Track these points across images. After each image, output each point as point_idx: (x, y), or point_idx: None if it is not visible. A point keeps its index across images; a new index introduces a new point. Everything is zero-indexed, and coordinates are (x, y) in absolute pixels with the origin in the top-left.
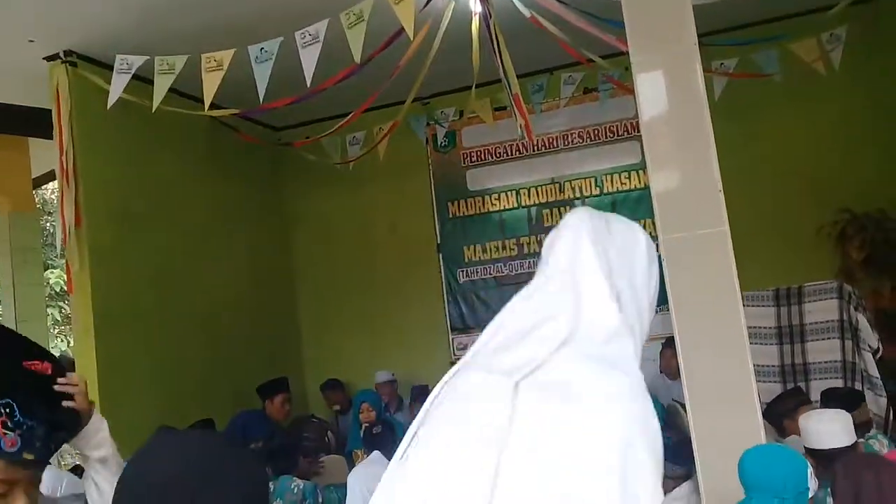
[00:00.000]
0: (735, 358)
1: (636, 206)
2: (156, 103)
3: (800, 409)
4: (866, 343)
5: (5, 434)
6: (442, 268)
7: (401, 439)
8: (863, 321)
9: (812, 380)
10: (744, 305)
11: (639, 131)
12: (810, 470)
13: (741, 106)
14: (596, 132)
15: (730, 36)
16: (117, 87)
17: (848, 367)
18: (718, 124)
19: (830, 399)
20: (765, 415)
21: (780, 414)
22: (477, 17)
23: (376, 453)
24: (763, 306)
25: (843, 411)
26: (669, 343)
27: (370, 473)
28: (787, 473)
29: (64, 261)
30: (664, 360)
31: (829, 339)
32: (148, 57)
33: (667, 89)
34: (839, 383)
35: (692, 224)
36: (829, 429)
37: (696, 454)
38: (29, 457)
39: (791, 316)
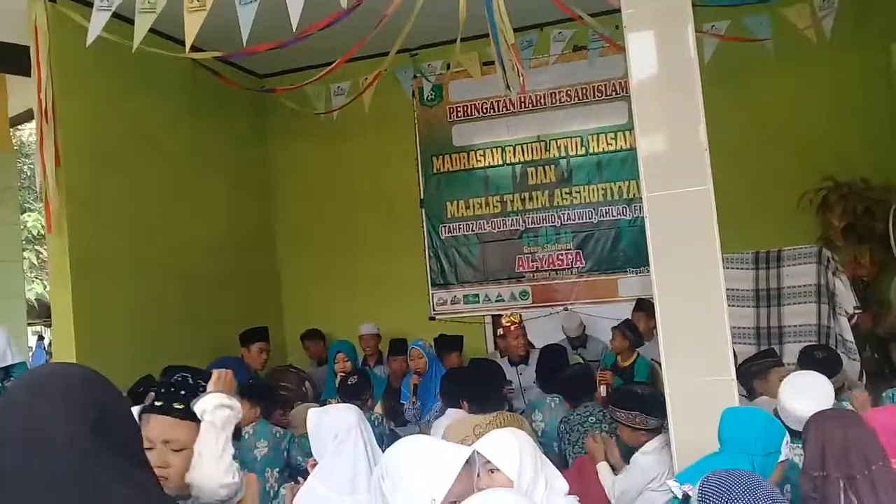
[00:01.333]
0: (711, 315)
1: (621, 166)
2: (136, 43)
3: (771, 371)
4: (842, 308)
5: None
6: (424, 223)
7: (375, 391)
8: (840, 286)
9: (786, 343)
10: (724, 268)
11: (627, 92)
12: (787, 438)
13: (730, 70)
14: (584, 91)
15: None
16: (97, 25)
17: (822, 332)
18: (707, 88)
19: (808, 362)
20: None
21: (751, 375)
22: None
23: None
24: (742, 269)
25: (822, 382)
26: (639, 305)
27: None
28: (758, 433)
29: (41, 204)
30: (638, 322)
31: (805, 303)
32: None
33: (657, 43)
34: None
35: (676, 182)
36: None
37: (668, 409)
38: None
39: (769, 279)
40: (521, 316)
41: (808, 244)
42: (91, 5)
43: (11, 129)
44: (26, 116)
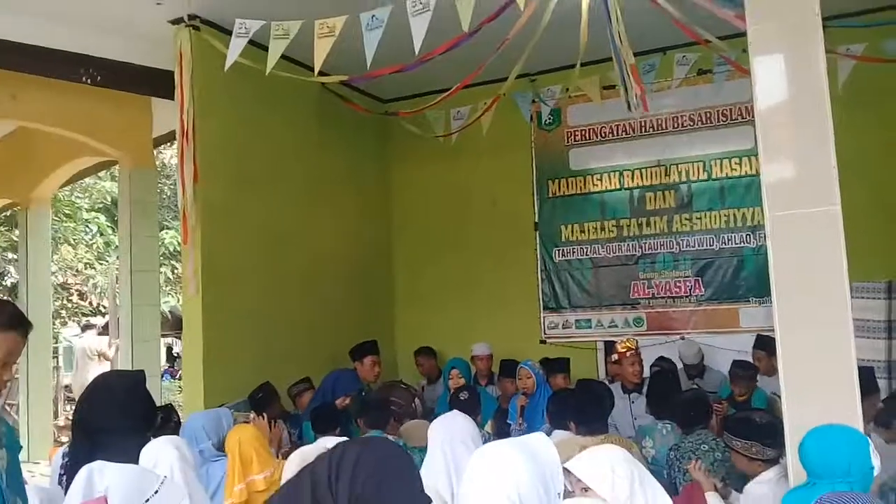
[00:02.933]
0: (836, 344)
1: (745, 192)
2: (269, 66)
3: None
4: None
5: None
6: (538, 246)
7: (484, 409)
8: None
9: None
10: (853, 297)
11: (754, 116)
12: (872, 446)
13: (867, 91)
14: (707, 115)
15: (858, 20)
16: (234, 50)
17: None
18: (843, 110)
19: None
20: (877, 414)
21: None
22: None
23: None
24: (875, 299)
25: None
26: (759, 343)
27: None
28: (850, 455)
29: (178, 221)
30: (759, 361)
31: None
32: (265, 21)
33: (784, 63)
34: None
35: (801, 202)
36: None
37: (787, 443)
38: None
39: None
40: (636, 342)
41: None
42: (230, 32)
43: (154, 149)
44: (168, 137)
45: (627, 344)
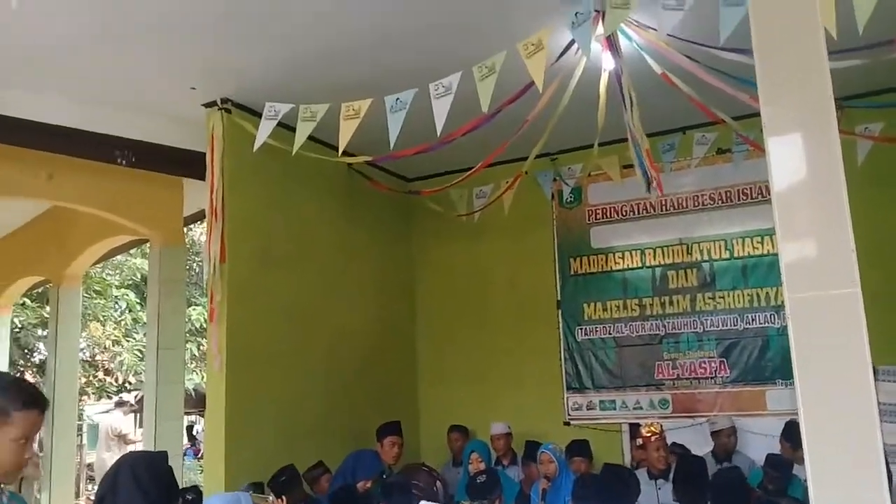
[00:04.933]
0: (862, 428)
1: (769, 271)
2: (296, 146)
3: None
4: None
5: None
6: (560, 324)
7: (503, 492)
8: None
9: None
10: (879, 380)
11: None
12: None
13: (885, 171)
14: (728, 194)
15: (873, 100)
16: (264, 132)
17: None
18: (862, 190)
19: None
20: None
21: None
22: (607, 73)
23: None
24: None
25: None
26: (786, 433)
27: None
28: None
29: (206, 298)
30: (784, 452)
31: None
32: (293, 105)
33: (799, 144)
34: None
35: (822, 283)
36: None
37: None
38: None
39: None
40: (661, 426)
41: None
42: (260, 115)
43: (185, 228)
44: (198, 216)
45: (652, 428)
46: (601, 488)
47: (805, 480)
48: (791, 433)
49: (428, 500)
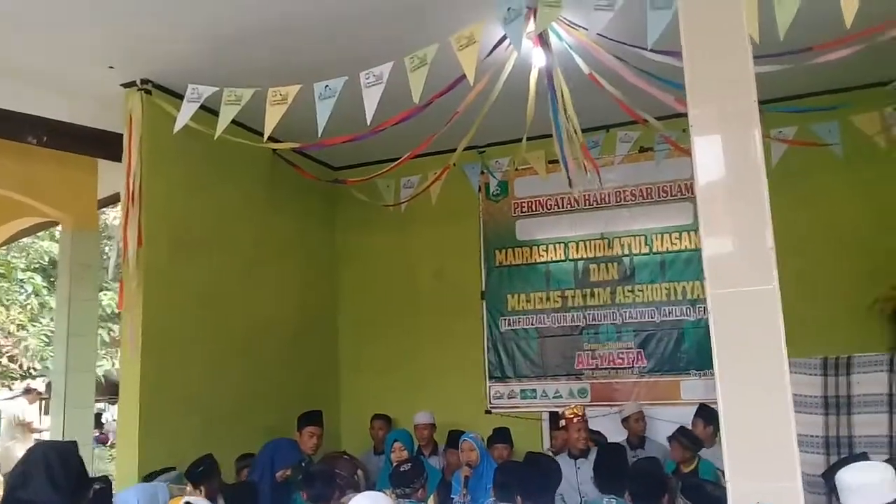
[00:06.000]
0: (777, 417)
1: (685, 266)
2: (219, 131)
3: None
4: None
5: None
6: (484, 315)
7: (427, 480)
8: None
9: (867, 454)
10: (791, 372)
11: (693, 193)
12: None
13: (797, 173)
14: (649, 191)
15: (789, 104)
16: (185, 115)
17: (895, 443)
18: (773, 191)
19: None
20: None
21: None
22: (537, 69)
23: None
24: (810, 374)
25: (886, 464)
26: (699, 411)
27: None
28: None
29: (117, 283)
30: (695, 428)
31: (876, 412)
32: (217, 88)
33: (723, 145)
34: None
35: (741, 280)
36: (870, 480)
37: None
38: None
39: (838, 386)
40: (584, 408)
41: (879, 352)
42: (182, 97)
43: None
44: (112, 200)
45: (574, 410)
46: (523, 476)
47: (714, 464)
48: (704, 413)
49: (349, 489)
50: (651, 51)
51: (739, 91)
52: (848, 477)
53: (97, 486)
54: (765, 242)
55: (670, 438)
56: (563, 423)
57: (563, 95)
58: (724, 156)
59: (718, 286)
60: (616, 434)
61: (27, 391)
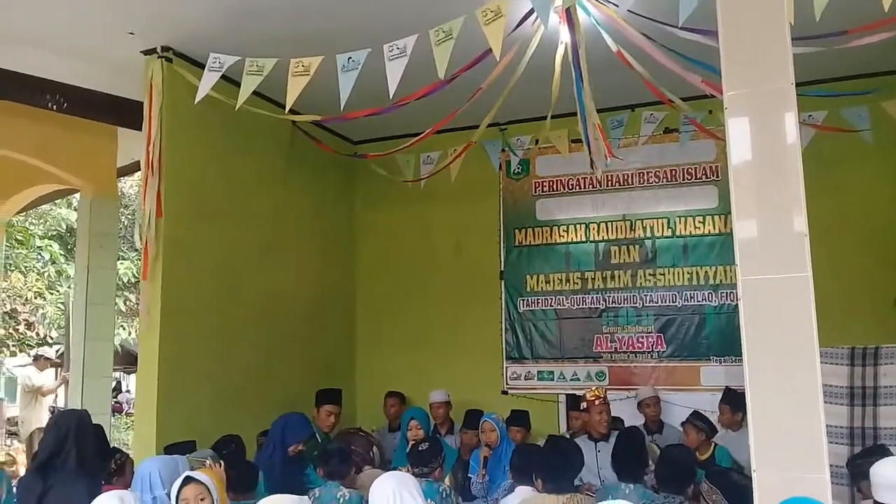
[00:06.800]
0: (806, 407)
1: (708, 251)
2: (240, 101)
3: None
4: None
5: None
6: (503, 294)
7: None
8: None
9: (885, 445)
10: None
11: (718, 176)
12: None
13: (825, 160)
14: (673, 173)
15: (818, 88)
16: (206, 84)
17: None
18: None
19: None
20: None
21: (859, 475)
22: (563, 46)
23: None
24: (837, 364)
25: None
26: (726, 396)
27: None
28: None
29: (135, 252)
30: (722, 414)
31: None
32: (239, 58)
33: (759, 127)
34: None
35: (773, 267)
36: None
37: (756, 503)
38: None
39: (865, 377)
40: (605, 390)
41: None
42: (203, 66)
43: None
44: (131, 168)
45: (596, 392)
46: (544, 461)
47: (730, 451)
48: (731, 397)
49: (365, 465)
50: (682, 28)
51: (776, 73)
52: (885, 471)
53: (118, 458)
54: (799, 228)
55: (684, 424)
56: (584, 405)
57: (585, 76)
58: (759, 138)
59: (750, 272)
60: (633, 419)
61: (35, 358)
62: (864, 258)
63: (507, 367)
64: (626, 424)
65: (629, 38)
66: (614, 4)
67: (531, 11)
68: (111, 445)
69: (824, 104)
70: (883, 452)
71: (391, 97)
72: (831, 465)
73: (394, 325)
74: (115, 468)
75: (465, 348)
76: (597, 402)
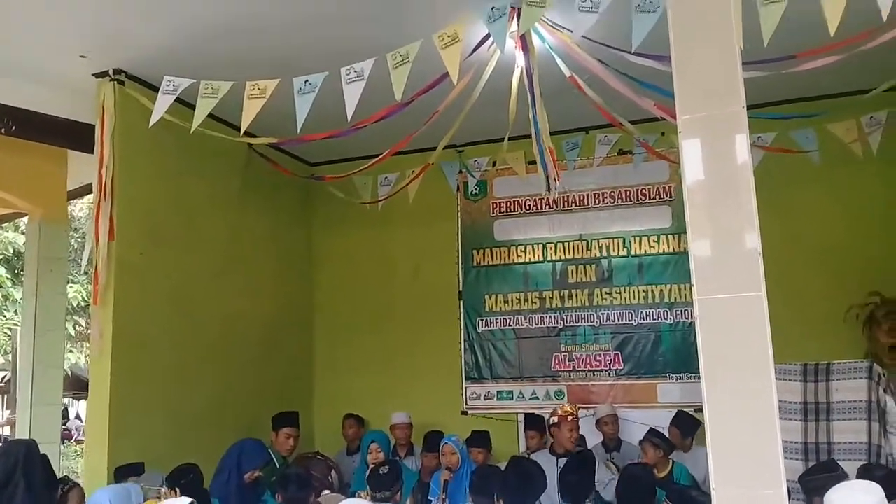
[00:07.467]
0: (763, 423)
1: (663, 269)
2: (195, 125)
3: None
4: (893, 426)
5: None
6: (462, 315)
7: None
8: (891, 404)
9: (836, 460)
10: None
11: (671, 196)
12: None
13: (775, 181)
14: (627, 193)
15: (767, 111)
16: (161, 107)
17: (874, 450)
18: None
19: (867, 478)
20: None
21: (811, 490)
22: (519, 70)
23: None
24: (790, 380)
25: (877, 484)
26: (675, 420)
27: None
28: None
29: (84, 276)
30: (672, 437)
31: (855, 419)
32: (194, 80)
33: (711, 150)
34: None
35: (730, 287)
36: (863, 501)
37: None
38: None
39: (818, 393)
40: (578, 408)
41: (857, 359)
42: (157, 89)
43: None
44: (81, 191)
45: (569, 409)
46: (505, 482)
47: (688, 467)
48: (681, 421)
49: (323, 489)
50: (635, 54)
51: (728, 97)
52: (838, 499)
53: (64, 487)
54: (752, 248)
55: (641, 441)
56: (554, 419)
57: (533, 96)
58: (712, 160)
59: (707, 292)
60: (591, 436)
61: None
62: (814, 276)
63: (466, 388)
64: (588, 443)
65: (583, 64)
66: (568, 30)
67: (487, 36)
68: (59, 475)
69: (773, 126)
70: (834, 467)
71: (349, 120)
72: (788, 481)
73: (352, 347)
74: (62, 497)
75: (425, 369)
76: (569, 419)
